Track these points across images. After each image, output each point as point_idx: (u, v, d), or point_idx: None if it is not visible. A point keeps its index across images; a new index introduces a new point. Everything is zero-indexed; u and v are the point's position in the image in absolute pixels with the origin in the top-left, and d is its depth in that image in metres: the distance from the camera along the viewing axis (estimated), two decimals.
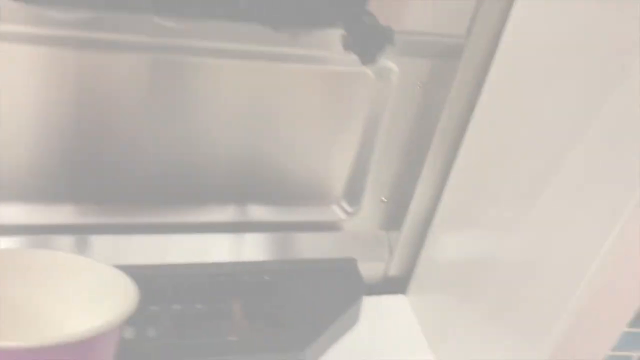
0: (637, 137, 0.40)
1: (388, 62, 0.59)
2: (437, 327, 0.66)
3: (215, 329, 0.57)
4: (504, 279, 0.53)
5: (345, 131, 0.63)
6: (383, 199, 0.68)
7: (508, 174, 0.53)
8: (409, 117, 0.63)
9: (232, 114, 0.59)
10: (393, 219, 0.70)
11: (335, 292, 0.64)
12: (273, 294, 0.62)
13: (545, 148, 0.49)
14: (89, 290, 0.51)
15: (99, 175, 0.59)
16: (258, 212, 0.66)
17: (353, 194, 0.67)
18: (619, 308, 0.44)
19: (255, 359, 0.55)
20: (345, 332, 0.66)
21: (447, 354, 0.63)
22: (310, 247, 0.68)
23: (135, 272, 0.58)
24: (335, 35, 0.56)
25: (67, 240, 0.60)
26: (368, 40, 0.54)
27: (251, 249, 0.66)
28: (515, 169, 0.52)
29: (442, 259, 0.65)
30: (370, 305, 0.68)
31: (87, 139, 0.57)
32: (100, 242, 0.61)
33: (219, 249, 0.65)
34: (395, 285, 0.73)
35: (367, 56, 0.55)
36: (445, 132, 0.62)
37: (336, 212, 0.68)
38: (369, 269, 0.70)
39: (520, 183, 0.51)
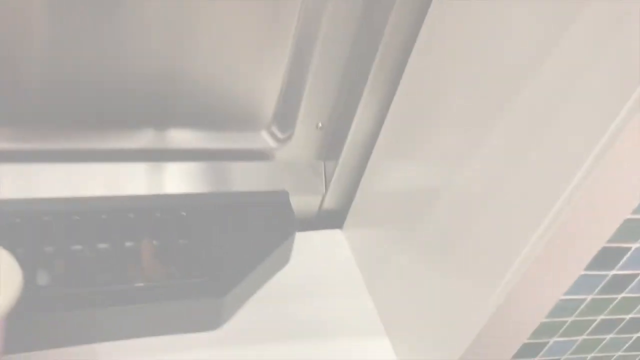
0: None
1: None
2: (375, 264, 0.60)
3: (121, 274, 0.49)
4: (451, 215, 0.47)
5: (275, 47, 0.54)
6: (319, 124, 0.60)
7: (460, 99, 0.47)
8: (349, 34, 0.54)
9: (149, 26, 0.49)
10: (330, 147, 0.62)
11: (265, 228, 0.57)
12: (191, 232, 0.54)
13: (500, 73, 0.42)
14: None
15: None
16: (177, 139, 0.56)
17: (285, 119, 0.58)
18: (578, 250, 0.40)
19: (164, 307, 0.48)
20: (275, 271, 0.60)
21: (384, 293, 0.58)
22: (237, 178, 0.60)
23: (27, 206, 0.49)
24: None
25: None
26: None
27: (169, 180, 0.57)
28: (468, 94, 0.46)
29: (382, 191, 0.59)
30: (304, 241, 0.62)
31: None
32: None
33: (132, 181, 0.56)
34: (331, 219, 0.67)
35: None
36: (388, 51, 0.53)
37: (266, 139, 0.59)
38: (303, 202, 0.64)
39: (474, 109, 0.45)
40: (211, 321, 0.51)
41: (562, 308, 0.44)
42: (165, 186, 0.57)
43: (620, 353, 0.53)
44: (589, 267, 0.40)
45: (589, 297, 0.44)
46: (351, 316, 0.58)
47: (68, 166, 0.54)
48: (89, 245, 0.50)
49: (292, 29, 0.52)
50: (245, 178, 0.61)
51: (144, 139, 0.56)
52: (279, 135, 0.60)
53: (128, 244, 0.51)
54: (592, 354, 0.52)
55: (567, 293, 0.42)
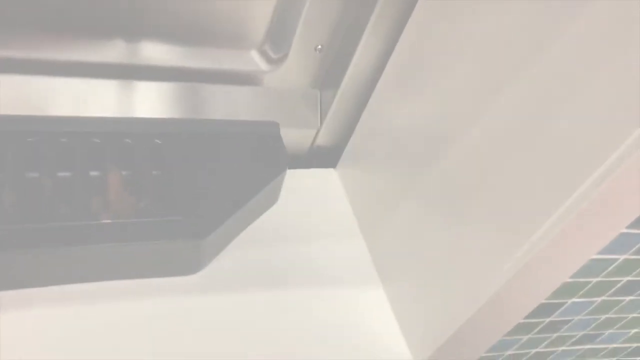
0: None
1: None
2: (372, 209, 0.54)
3: (84, 208, 0.41)
4: (468, 162, 0.41)
5: None
6: (318, 46, 0.52)
7: (486, 32, 0.40)
8: None
9: None
10: (328, 74, 0.55)
11: (251, 163, 0.50)
12: (167, 163, 0.46)
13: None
14: None
15: None
16: (153, 53, 0.48)
17: (279, 37, 0.50)
18: (626, 203, 0.34)
19: (135, 248, 0.41)
20: (262, 212, 0.53)
21: (380, 240, 0.53)
22: (220, 104, 0.52)
23: None
24: None
25: None
26: None
27: (142, 102, 0.50)
28: (496, 29, 0.39)
29: (386, 129, 0.52)
30: (294, 179, 0.55)
31: None
32: None
33: (99, 100, 0.48)
34: (324, 157, 0.60)
35: None
36: None
37: (256, 59, 0.51)
38: (294, 136, 0.56)
39: (509, 43, 0.38)
40: (189, 265, 0.45)
41: (590, 268, 0.39)
42: (138, 108, 0.49)
43: (634, 315, 0.50)
44: (633, 224, 0.35)
45: (622, 257, 0.39)
46: (343, 263, 0.53)
47: (25, 79, 0.46)
48: (46, 173, 0.42)
49: None
50: (230, 104, 0.53)
51: (115, 51, 0.47)
52: (271, 55, 0.51)
53: (93, 173, 0.44)
54: (607, 315, 0.48)
55: (600, 252, 0.37)
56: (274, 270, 0.50)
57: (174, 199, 0.44)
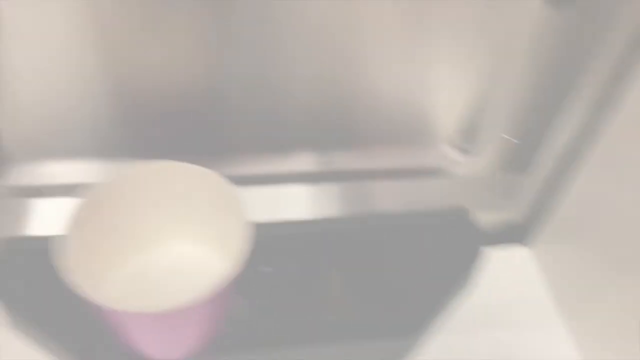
0: None
1: None
2: (577, 292, 0.53)
3: (308, 304, 0.48)
4: None
5: (463, 52, 0.48)
6: (507, 135, 0.54)
7: None
8: (555, 41, 0.47)
9: (312, 33, 0.46)
10: (517, 159, 0.56)
11: (446, 253, 0.52)
12: (365, 260, 0.51)
13: None
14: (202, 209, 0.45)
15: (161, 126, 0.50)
16: (346, 158, 0.54)
17: (469, 131, 0.53)
18: None
19: (351, 345, 0.45)
20: (455, 297, 0.56)
21: (589, 330, 0.51)
22: (412, 197, 0.56)
23: None
24: None
25: None
26: None
27: (328, 202, 0.55)
28: None
29: (596, 208, 0.50)
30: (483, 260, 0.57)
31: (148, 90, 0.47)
32: None
33: (300, 203, 0.54)
34: (514, 234, 0.61)
35: None
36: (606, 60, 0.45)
37: (446, 153, 0.55)
38: (483, 218, 0.58)
39: None
40: (394, 357, 0.49)
41: None
42: (325, 209, 0.54)
43: None
44: None
45: None
46: (543, 353, 0.52)
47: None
48: (275, 273, 0.49)
49: (486, 37, 0.47)
50: (415, 196, 0.56)
51: (311, 159, 0.54)
52: (462, 147, 0.55)
53: (308, 269, 0.50)
54: None
55: None
56: (474, 358, 0.51)
57: (376, 297, 0.49)
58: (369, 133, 0.53)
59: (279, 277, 0.49)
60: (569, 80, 0.48)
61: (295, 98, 0.49)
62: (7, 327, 0.48)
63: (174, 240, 0.48)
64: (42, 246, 0.48)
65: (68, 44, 0.42)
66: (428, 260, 0.52)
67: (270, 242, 0.50)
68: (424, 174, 0.56)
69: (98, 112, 0.46)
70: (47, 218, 0.49)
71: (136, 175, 0.44)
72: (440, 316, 0.48)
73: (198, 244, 0.49)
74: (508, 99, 0.51)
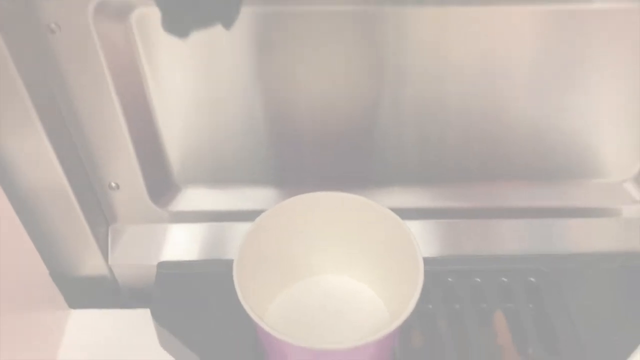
0: None
1: None
2: None
3: (478, 352, 0.44)
4: None
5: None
6: None
7: None
8: None
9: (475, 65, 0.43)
10: None
11: (627, 299, 0.48)
12: (544, 303, 0.47)
13: None
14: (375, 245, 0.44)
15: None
16: (521, 194, 0.50)
17: None
18: None
19: None
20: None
21: None
22: (579, 236, 0.51)
23: None
24: None
25: None
26: None
27: (499, 239, 0.51)
28: None
29: None
30: None
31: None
32: None
33: (465, 238, 0.52)
34: None
35: None
36: None
37: (629, 191, 0.50)
38: None
39: None
40: None
41: None
42: (506, 246, 0.52)
43: None
44: None
45: None
46: None
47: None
48: (442, 311, 0.46)
49: None
50: (588, 236, 0.52)
51: (486, 195, 0.51)
52: None
53: (479, 313, 0.47)
54: None
55: None
56: None
57: (558, 345, 0.44)
58: (548, 171, 0.50)
59: (441, 317, 0.46)
60: None
61: (454, 130, 0.47)
62: (155, 345, 0.49)
63: (337, 273, 0.48)
64: (204, 269, 0.50)
65: (233, 76, 0.43)
66: (602, 309, 0.47)
67: (431, 278, 0.48)
68: (598, 212, 0.51)
69: (259, 142, 0.47)
70: (209, 243, 0.51)
71: (306, 203, 0.43)
72: None
73: (363, 280, 0.48)
74: None
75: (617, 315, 0.47)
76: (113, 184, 0.46)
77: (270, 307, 0.46)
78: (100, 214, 0.49)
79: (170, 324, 0.46)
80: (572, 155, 0.48)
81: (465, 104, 0.45)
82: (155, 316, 0.47)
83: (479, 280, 0.48)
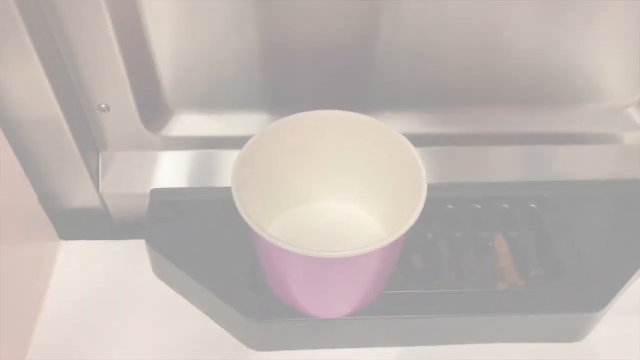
0: None
1: None
2: None
3: (480, 274, 0.44)
4: None
5: None
6: None
7: None
8: None
9: None
10: None
11: (626, 226, 0.47)
12: (545, 228, 0.46)
13: None
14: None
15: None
16: (519, 120, 0.49)
17: None
18: None
19: (525, 318, 0.42)
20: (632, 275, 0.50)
21: None
22: (579, 164, 0.51)
23: None
24: None
25: None
26: None
27: (497, 166, 0.51)
28: None
29: None
30: None
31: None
32: None
33: (465, 166, 0.51)
34: None
35: None
36: None
37: (632, 117, 0.49)
38: None
39: None
40: (576, 333, 0.44)
41: None
42: (507, 173, 0.51)
43: None
44: None
45: None
46: None
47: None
48: (442, 237, 0.46)
49: None
50: (588, 164, 0.51)
51: (485, 120, 0.50)
52: None
53: (480, 238, 0.46)
54: None
55: None
56: None
57: (560, 267, 0.44)
58: (552, 95, 0.48)
59: (442, 243, 0.45)
60: None
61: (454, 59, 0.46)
62: (149, 274, 0.48)
63: (337, 199, 0.46)
64: (198, 196, 0.49)
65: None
66: (603, 234, 0.46)
67: (431, 205, 0.47)
68: (597, 139, 0.50)
69: (254, 65, 0.45)
70: (203, 170, 0.49)
71: (305, 122, 0.42)
72: (614, 296, 0.43)
73: (363, 206, 0.46)
74: None
75: (617, 240, 0.46)
76: (103, 105, 0.44)
77: (267, 229, 0.45)
78: (90, 140, 0.47)
79: (165, 251, 0.45)
80: (574, 79, 0.47)
81: (464, 26, 0.44)
82: (150, 243, 0.46)
83: (479, 207, 0.47)
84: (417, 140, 0.47)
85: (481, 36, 0.45)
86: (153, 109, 0.47)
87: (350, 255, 0.33)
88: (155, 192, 0.48)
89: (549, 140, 0.50)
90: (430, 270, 0.44)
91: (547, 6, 0.43)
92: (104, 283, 0.49)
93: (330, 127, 0.42)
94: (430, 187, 0.38)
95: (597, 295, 0.43)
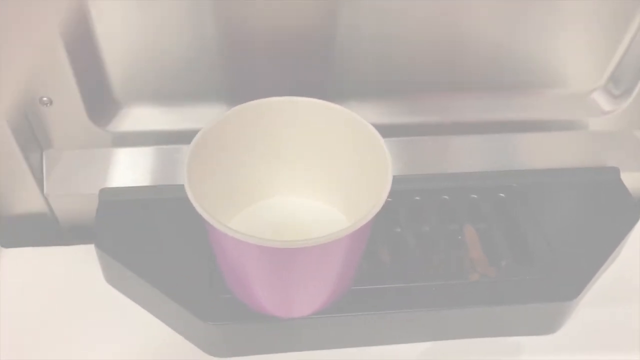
0: None
1: None
2: None
3: (451, 266, 0.42)
4: None
5: None
6: None
7: None
8: None
9: None
10: None
11: (597, 214, 0.46)
12: (515, 217, 0.45)
13: None
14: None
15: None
16: (484, 108, 0.48)
17: (626, 72, 0.46)
18: None
19: (497, 309, 0.40)
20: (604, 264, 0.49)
21: None
22: (555, 152, 0.50)
23: None
24: None
25: None
26: None
27: (463, 155, 0.49)
28: None
29: None
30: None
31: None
32: None
33: (431, 156, 0.50)
34: None
35: None
36: None
37: (598, 102, 0.48)
38: (634, 180, 0.52)
39: None
40: (549, 324, 0.42)
41: None
42: (473, 163, 0.50)
43: None
44: None
45: None
46: None
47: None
48: (409, 229, 0.44)
49: None
50: (557, 152, 0.50)
51: (450, 109, 0.49)
52: (614, 93, 0.48)
53: (450, 230, 0.44)
54: None
55: None
56: (624, 331, 0.45)
57: (531, 257, 0.43)
58: (514, 82, 0.47)
59: (410, 236, 0.44)
60: None
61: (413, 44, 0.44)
62: (100, 281, 0.45)
63: (297, 194, 0.44)
64: (151, 195, 0.46)
65: None
66: (580, 223, 0.46)
67: (398, 198, 0.45)
68: (564, 125, 0.49)
69: (208, 52, 0.42)
70: (156, 168, 0.46)
71: (261, 109, 0.39)
72: (587, 284, 0.42)
73: (327, 200, 0.44)
74: None
75: (586, 227, 0.45)
76: (45, 99, 0.41)
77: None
78: (32, 137, 0.43)
79: (116, 255, 0.42)
80: (537, 65, 0.46)
81: (425, 14, 0.42)
82: (99, 247, 0.42)
83: (447, 198, 0.46)
84: (381, 130, 0.46)
85: (443, 24, 0.43)
86: (100, 101, 0.43)
87: (314, 244, 0.30)
88: (105, 192, 0.45)
89: (515, 128, 0.49)
90: (399, 264, 0.42)
91: None
92: (51, 293, 0.45)
93: (290, 114, 0.40)
94: (396, 179, 0.36)
95: (570, 285, 0.41)
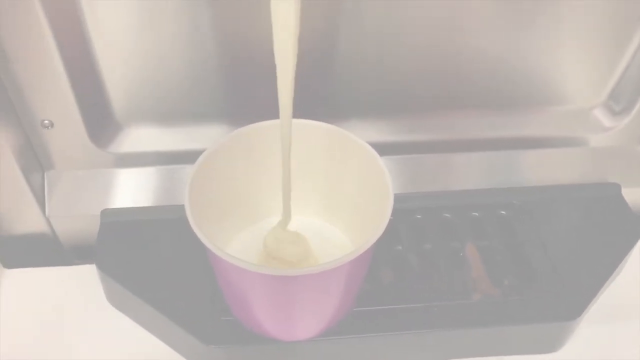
0: None
1: None
2: None
3: (452, 285, 0.42)
4: None
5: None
6: None
7: None
8: None
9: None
10: None
11: (599, 231, 0.46)
12: (517, 235, 0.45)
13: None
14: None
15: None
16: (484, 125, 0.48)
17: (626, 89, 0.46)
18: None
19: (501, 329, 0.40)
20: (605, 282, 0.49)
21: None
22: (556, 169, 0.50)
23: None
24: None
25: None
26: None
27: (462, 174, 0.49)
28: None
29: None
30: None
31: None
32: None
33: (432, 174, 0.50)
34: None
35: None
36: None
37: (599, 118, 0.48)
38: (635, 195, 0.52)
39: None
40: (552, 343, 0.42)
41: None
42: (474, 180, 0.50)
43: None
44: None
45: None
46: None
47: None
48: (411, 248, 0.44)
49: None
50: (566, 168, 0.50)
51: (450, 127, 0.49)
52: (615, 109, 0.48)
53: (451, 248, 0.44)
54: None
55: None
56: (630, 348, 0.44)
57: (533, 275, 0.43)
58: (516, 100, 0.47)
59: (411, 255, 0.44)
60: None
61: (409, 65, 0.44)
62: (102, 302, 0.45)
63: (302, 214, 0.44)
64: (152, 216, 0.46)
65: (178, 8, 0.39)
66: (574, 238, 0.45)
67: (399, 216, 0.45)
68: (571, 142, 0.49)
69: (209, 72, 0.42)
70: (158, 188, 0.46)
71: (263, 132, 0.39)
72: (590, 303, 0.42)
73: (330, 221, 0.44)
74: None
75: (589, 244, 0.45)
76: (46, 122, 0.41)
77: (227, 249, 0.42)
78: (34, 159, 0.44)
79: (117, 276, 0.42)
80: (538, 82, 0.46)
81: (426, 32, 0.42)
82: (101, 268, 0.43)
83: (449, 216, 0.46)
84: (382, 148, 0.46)
85: (444, 42, 0.43)
86: (101, 123, 0.44)
87: (315, 271, 0.30)
88: (106, 213, 0.45)
89: (516, 145, 0.49)
90: (401, 285, 0.42)
91: (510, 9, 0.42)
92: (53, 313, 0.45)
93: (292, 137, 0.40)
94: (397, 197, 0.36)
95: (573, 304, 0.41)
